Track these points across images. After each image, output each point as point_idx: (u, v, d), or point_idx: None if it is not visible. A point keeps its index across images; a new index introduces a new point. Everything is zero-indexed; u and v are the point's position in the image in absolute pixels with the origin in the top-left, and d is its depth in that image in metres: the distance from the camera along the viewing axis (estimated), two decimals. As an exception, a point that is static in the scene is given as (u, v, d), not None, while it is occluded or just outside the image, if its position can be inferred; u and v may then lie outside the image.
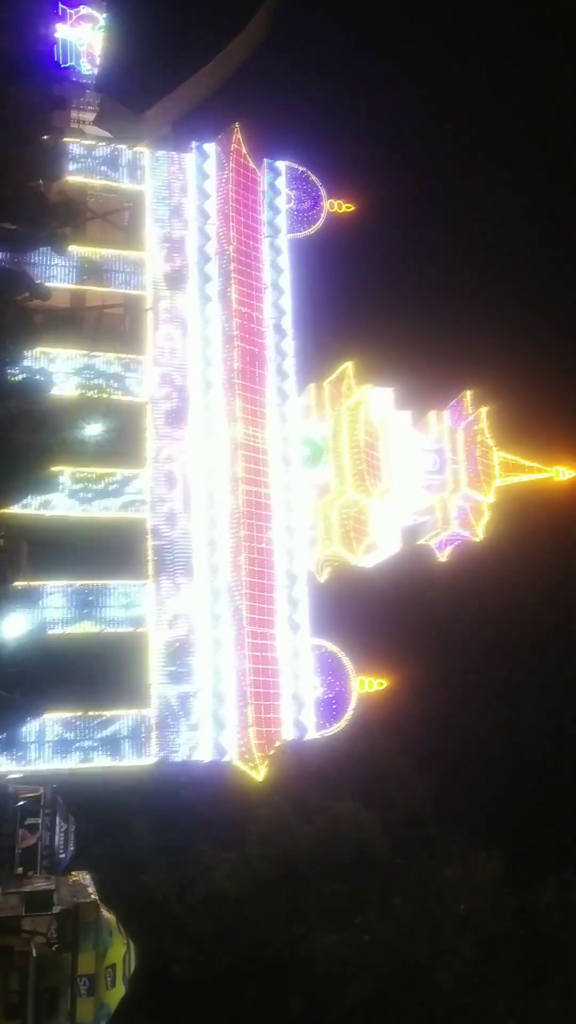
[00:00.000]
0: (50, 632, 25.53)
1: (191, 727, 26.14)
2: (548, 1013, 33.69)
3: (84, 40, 30.33)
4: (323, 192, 31.67)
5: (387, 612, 41.51)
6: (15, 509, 24.53)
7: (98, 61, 30.43)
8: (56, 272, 27.67)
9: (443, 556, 34.18)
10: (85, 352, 27.60)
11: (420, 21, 53.80)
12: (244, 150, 30.26)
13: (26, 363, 25.11)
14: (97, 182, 29.12)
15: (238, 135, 30.06)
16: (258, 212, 30.50)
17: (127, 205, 29.82)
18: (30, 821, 25.42)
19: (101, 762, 25.38)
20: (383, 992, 32.68)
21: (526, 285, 53.46)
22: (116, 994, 22.98)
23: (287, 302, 30.35)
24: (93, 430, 27.00)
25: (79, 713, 25.21)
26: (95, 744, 25.31)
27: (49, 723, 24.95)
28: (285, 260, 30.69)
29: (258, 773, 26.26)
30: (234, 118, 30.38)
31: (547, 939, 35.14)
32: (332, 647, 28.58)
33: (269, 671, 27.07)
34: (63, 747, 25.06)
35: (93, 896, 24.09)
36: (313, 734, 27.73)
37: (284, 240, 30.85)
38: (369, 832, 36.18)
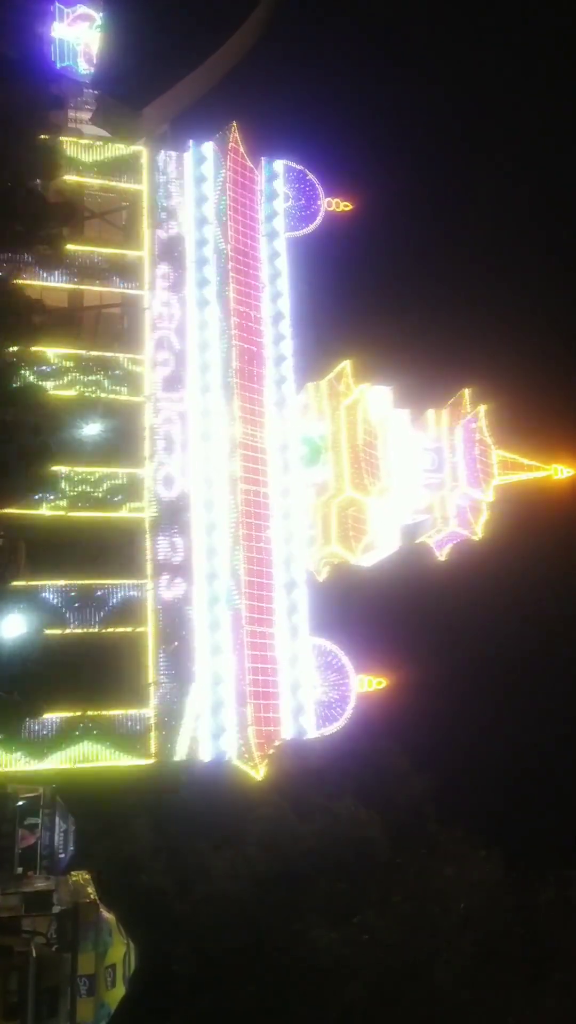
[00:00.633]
0: (49, 632, 25.48)
1: (190, 726, 26.12)
2: (547, 1010, 33.72)
3: (81, 39, 30.29)
4: (321, 191, 31.66)
5: (386, 611, 41.48)
6: (14, 509, 24.48)
7: (95, 60, 30.39)
8: (54, 272, 27.62)
9: (442, 555, 34.17)
10: (83, 351, 27.55)
11: (418, 20, 53.81)
12: (242, 149, 30.23)
13: (25, 363, 25.06)
14: (94, 181, 29.06)
15: (235, 134, 30.04)
16: (256, 211, 30.47)
17: (124, 204, 29.77)
18: (29, 821, 25.42)
19: (100, 762, 25.35)
20: (383, 990, 32.68)
21: (524, 283, 53.49)
22: (116, 994, 23.00)
23: (285, 301, 30.34)
24: (91, 430, 27.01)
25: (79, 713, 25.18)
26: (94, 744, 25.27)
27: (49, 723, 24.92)
28: (283, 259, 30.68)
29: (258, 772, 26.26)
30: (231, 116, 30.38)
31: (546, 937, 35.15)
32: (332, 646, 28.57)
33: (268, 670, 27.06)
34: (63, 747, 25.01)
35: (93, 896, 24.09)
36: (313, 733, 27.72)
37: (282, 239, 30.83)
38: (369, 831, 36.17)
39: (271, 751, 26.47)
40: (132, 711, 25.83)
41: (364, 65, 53.50)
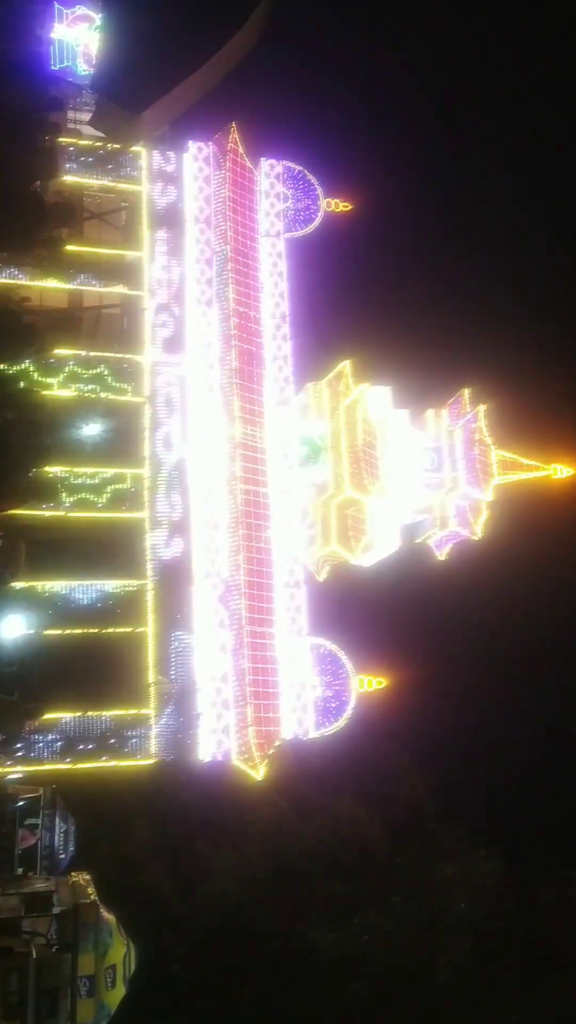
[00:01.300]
0: (49, 632, 25.53)
1: (190, 726, 26.14)
2: (548, 1010, 33.71)
3: (80, 40, 30.31)
4: (320, 191, 31.69)
5: (386, 611, 41.50)
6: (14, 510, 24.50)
7: (94, 61, 30.40)
8: (53, 273, 27.64)
9: (442, 555, 34.19)
10: (83, 352, 27.58)
11: (417, 21, 53.85)
12: (241, 149, 30.26)
13: (24, 364, 25.09)
14: (94, 182, 29.11)
15: (235, 134, 30.07)
16: (255, 211, 30.50)
17: (124, 205, 29.80)
18: (30, 821, 25.42)
19: (100, 762, 25.38)
20: (383, 990, 32.68)
21: (523, 283, 53.52)
22: (116, 995, 22.99)
23: (285, 301, 30.35)
24: (91, 430, 27.05)
25: (79, 713, 25.21)
26: (94, 744, 25.29)
27: (48, 723, 24.94)
28: (283, 259, 30.70)
29: (258, 772, 26.29)
30: (231, 117, 30.41)
31: (547, 936, 35.13)
32: (331, 646, 28.60)
33: (268, 670, 27.09)
34: (62, 747, 25.04)
35: (93, 897, 24.09)
36: (313, 733, 27.75)
37: (281, 239, 30.85)
38: (369, 831, 36.16)
39: (271, 751, 26.50)
40: (132, 711, 25.85)
41: (363, 66, 53.57)
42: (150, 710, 25.97)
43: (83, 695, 25.25)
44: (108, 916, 23.61)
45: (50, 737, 24.98)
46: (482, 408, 33.91)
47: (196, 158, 29.87)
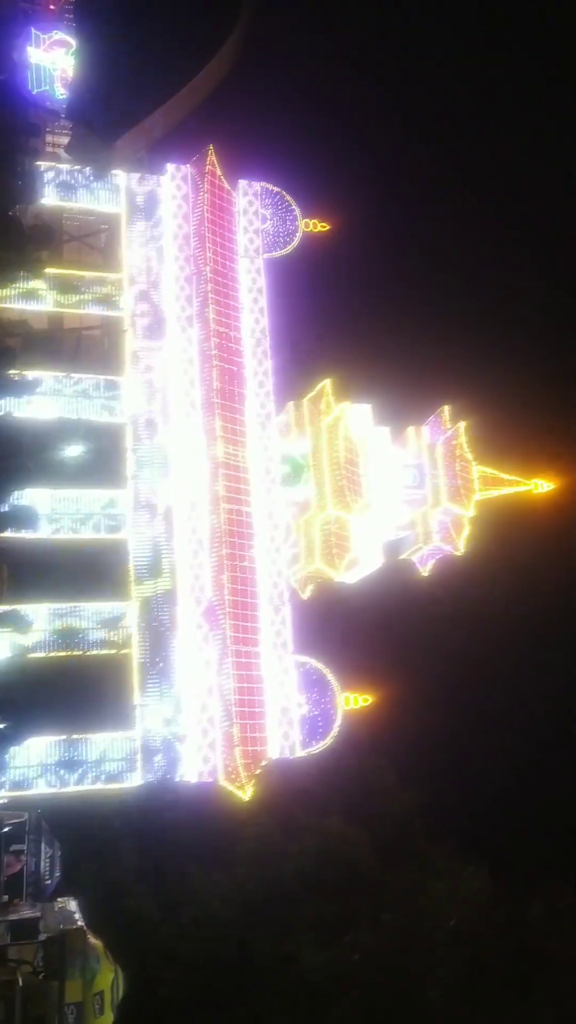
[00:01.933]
0: (32, 655, 25.40)
1: (176, 748, 26.04)
2: (540, 1025, 33.61)
3: (57, 65, 30.54)
4: (298, 212, 31.95)
5: (371, 628, 41.55)
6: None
7: (71, 85, 30.61)
8: (33, 295, 27.74)
9: (425, 570, 34.31)
10: (64, 374, 27.62)
11: (394, 42, 54.54)
12: (219, 171, 30.49)
13: (3, 386, 25.11)
14: (73, 205, 29.27)
15: (212, 157, 30.31)
16: (234, 233, 30.71)
17: (103, 227, 29.97)
18: (15, 847, 25.20)
19: (86, 785, 25.22)
20: (375, 1009, 32.48)
21: (502, 300, 54.05)
22: (104, 1021, 22.75)
23: (264, 321, 30.53)
24: (72, 452, 27.06)
25: (63, 737, 25.06)
26: (80, 768, 25.14)
27: (33, 747, 24.78)
28: (262, 280, 30.90)
29: (245, 792, 26.19)
30: (208, 140, 30.65)
31: (537, 951, 35.06)
32: (317, 664, 28.60)
33: (254, 690, 27.05)
34: (48, 772, 24.87)
35: (80, 922, 23.89)
36: (299, 752, 27.69)
37: (260, 260, 31.07)
38: (357, 848, 36.02)
39: (258, 771, 26.41)
40: (117, 734, 25.72)
41: (338, 88, 54.12)
42: (135, 732, 25.85)
43: (68, 718, 25.11)
44: (95, 942, 23.39)
45: (35, 761, 24.81)
46: (462, 424, 34.16)
47: (174, 180, 30.09)
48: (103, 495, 27.25)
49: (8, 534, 25.24)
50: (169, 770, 25.89)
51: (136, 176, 29.87)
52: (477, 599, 44.53)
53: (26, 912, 23.78)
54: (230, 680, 26.51)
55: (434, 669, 44.76)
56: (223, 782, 26.17)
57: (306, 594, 31.88)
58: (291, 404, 31.80)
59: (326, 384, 31.72)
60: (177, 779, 26.03)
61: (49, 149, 29.81)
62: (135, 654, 26.45)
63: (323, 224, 32.31)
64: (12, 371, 25.62)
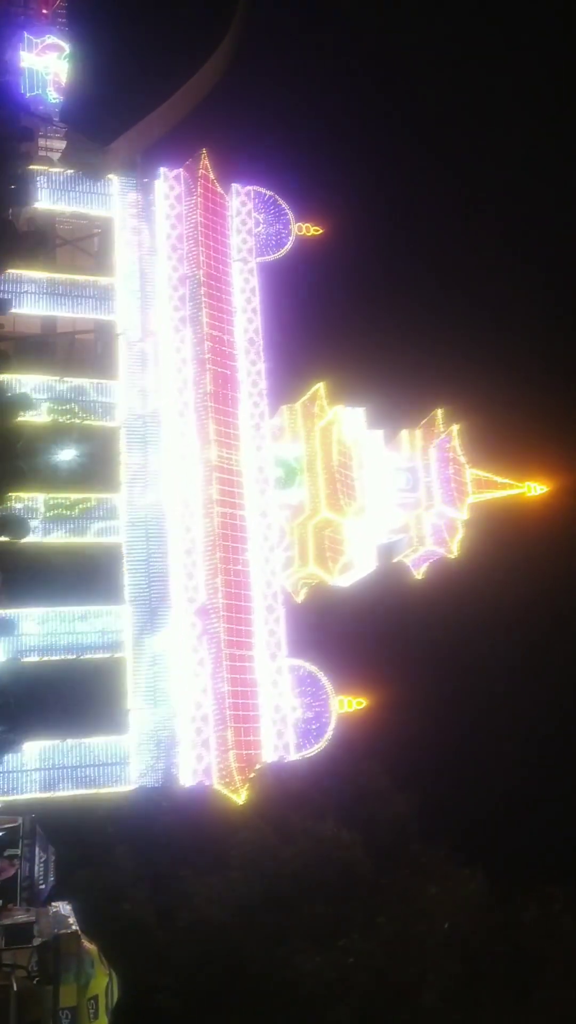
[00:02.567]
0: (26, 660, 25.37)
1: (170, 752, 26.02)
2: (535, 1029, 33.58)
3: (50, 69, 30.53)
4: (291, 216, 32.03)
5: (365, 631, 41.59)
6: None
7: (64, 89, 30.63)
8: (26, 299, 27.75)
9: (419, 573, 34.37)
10: (57, 377, 27.62)
11: (387, 45, 54.73)
12: (212, 175, 30.55)
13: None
14: (66, 209, 29.29)
15: (205, 161, 30.36)
16: (227, 236, 30.76)
17: (96, 231, 29.99)
18: (9, 852, 25.08)
19: (80, 790, 25.17)
20: (369, 1014, 32.43)
21: (495, 303, 54.24)
22: (99, 1026, 22.64)
23: (257, 325, 30.57)
24: (66, 455, 27.06)
25: (57, 741, 25.02)
26: (74, 772, 25.10)
27: (27, 752, 24.73)
28: (255, 283, 30.95)
29: (239, 796, 26.17)
30: (202, 144, 30.71)
31: (532, 954, 35.05)
32: (311, 667, 28.61)
33: (248, 693, 27.04)
34: (41, 776, 24.82)
35: (74, 927, 23.78)
36: (293, 755, 27.70)
37: (253, 264, 31.11)
38: (352, 852, 35.99)
39: (252, 775, 26.40)
40: (111, 738, 25.68)
41: (332, 92, 54.29)
42: (129, 737, 25.82)
43: (62, 722, 25.07)
44: (90, 946, 23.28)
45: (29, 765, 24.76)
46: (456, 427, 34.24)
47: (168, 184, 30.13)
48: (97, 499, 27.23)
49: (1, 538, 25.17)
50: (163, 774, 25.86)
51: (129, 180, 29.90)
52: (471, 602, 44.59)
53: (20, 917, 23.67)
54: (224, 684, 26.50)
55: (428, 672, 44.81)
56: (217, 786, 26.16)
57: (300, 597, 31.90)
58: (284, 407, 31.84)
59: (319, 387, 31.79)
60: (171, 783, 25.99)
61: (42, 153, 29.82)
62: (129, 658, 26.42)
63: (316, 228, 32.38)
64: (6, 374, 25.58)
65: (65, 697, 25.34)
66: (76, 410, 27.55)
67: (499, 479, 34.61)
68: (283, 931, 33.32)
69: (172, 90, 30.03)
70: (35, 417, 26.86)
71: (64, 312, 28.62)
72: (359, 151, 53.93)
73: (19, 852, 25.12)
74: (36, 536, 26.21)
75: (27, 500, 26.13)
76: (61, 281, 28.45)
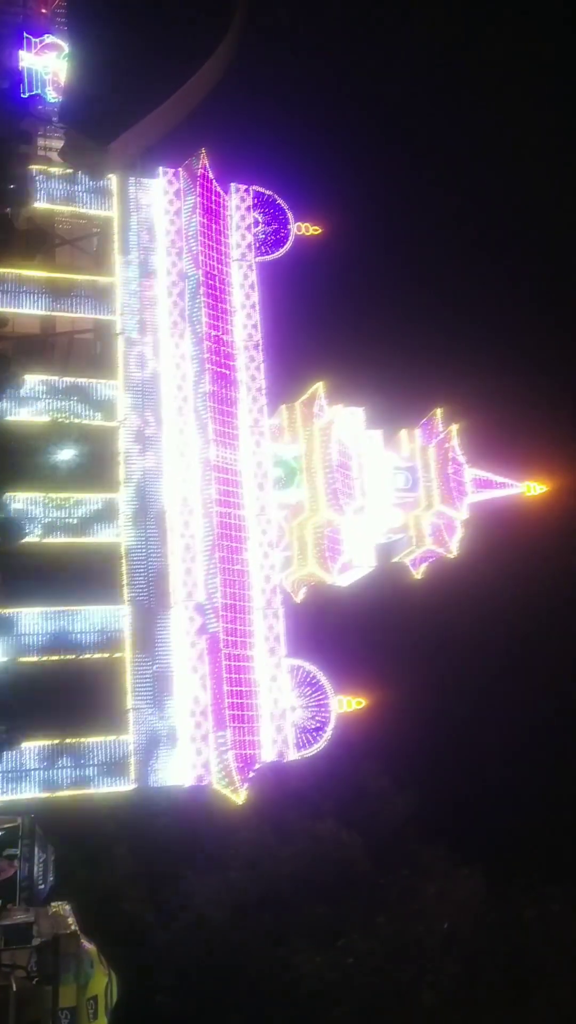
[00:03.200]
0: (25, 660, 25.34)
1: (170, 752, 25.99)
2: (534, 1029, 33.61)
3: (49, 68, 30.49)
4: (290, 215, 31.97)
5: (364, 631, 41.58)
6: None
7: (63, 89, 30.60)
8: (25, 298, 27.73)
9: (418, 573, 34.35)
10: (56, 377, 27.58)
11: (386, 46, 54.67)
12: (211, 175, 30.51)
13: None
14: (65, 209, 29.22)
15: (204, 160, 30.31)
16: (226, 236, 30.72)
17: (95, 231, 29.93)
18: (8, 852, 25.12)
19: (80, 790, 25.13)
20: (369, 1013, 32.46)
21: (494, 302, 54.21)
22: (98, 1026, 22.64)
23: (257, 324, 30.54)
24: (65, 455, 27.03)
25: (57, 741, 24.99)
26: (73, 772, 25.06)
27: (26, 752, 24.70)
28: (254, 283, 30.91)
29: (238, 796, 26.14)
30: (201, 143, 30.66)
31: (530, 953, 35.10)
32: (310, 667, 28.58)
33: (247, 693, 27.00)
34: (41, 776, 24.78)
35: (73, 927, 23.82)
36: (293, 755, 27.67)
37: (252, 263, 31.08)
38: (351, 852, 36.06)
39: (251, 775, 26.38)
40: (111, 738, 25.66)
41: (331, 91, 54.26)
42: (129, 736, 25.79)
43: (61, 722, 25.03)
44: (89, 946, 23.32)
45: (28, 765, 24.73)
46: (455, 427, 34.21)
47: (166, 184, 30.08)
48: (96, 499, 27.19)
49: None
50: (162, 774, 25.83)
51: (129, 179, 29.83)
52: (470, 602, 44.60)
53: (20, 917, 23.70)
54: (223, 683, 26.46)
55: (427, 672, 44.80)
56: (216, 786, 26.13)
57: (299, 597, 31.89)
58: (283, 407, 31.81)
59: (319, 387, 31.75)
60: (170, 783, 25.96)
61: (41, 153, 29.78)
62: (128, 658, 26.39)
63: (315, 227, 32.34)
64: (4, 375, 25.56)
65: (64, 697, 25.29)
66: (75, 410, 27.49)
67: (498, 479, 34.60)
68: (283, 931, 33.34)
69: (171, 90, 29.97)
70: (34, 417, 26.83)
71: (63, 312, 28.55)
72: (358, 151, 53.92)
73: (18, 852, 25.14)
74: (35, 536, 26.16)
75: (26, 500, 26.05)
76: (60, 281, 28.38)
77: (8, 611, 25.45)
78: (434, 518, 33.35)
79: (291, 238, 31.76)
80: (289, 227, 31.86)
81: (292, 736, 27.65)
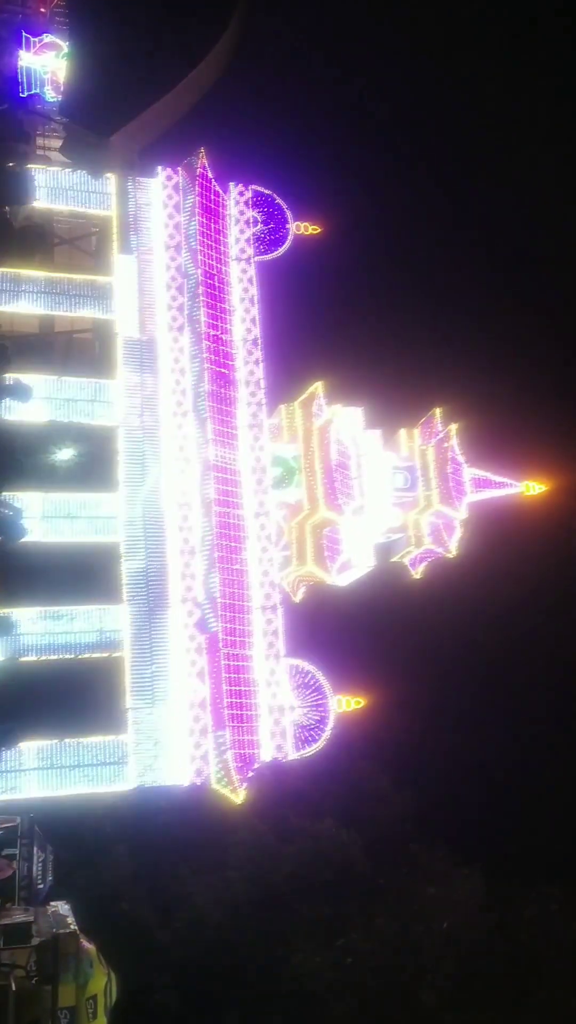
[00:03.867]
0: (24, 659, 25.34)
1: (168, 751, 25.98)
2: (533, 1028, 33.62)
3: (48, 68, 30.42)
4: (289, 215, 31.95)
5: (363, 630, 41.57)
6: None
7: (62, 88, 30.55)
8: (24, 298, 27.72)
9: (417, 573, 34.33)
10: (55, 377, 27.58)
11: (386, 45, 54.66)
12: (210, 174, 30.50)
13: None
14: (64, 208, 29.21)
15: (203, 159, 30.31)
16: (225, 235, 30.72)
17: (94, 230, 29.93)
18: (7, 851, 25.09)
19: (79, 789, 25.14)
20: (368, 1013, 32.46)
21: (493, 302, 54.21)
22: (98, 1026, 22.62)
23: (256, 324, 30.53)
24: (64, 455, 27.03)
25: (55, 740, 24.99)
26: (72, 771, 25.06)
27: (25, 751, 24.70)
28: (253, 282, 30.90)
29: (237, 796, 26.14)
30: (200, 143, 30.64)
31: (529, 953, 35.11)
32: (309, 667, 28.57)
33: (245, 693, 27.01)
34: (40, 775, 24.78)
35: (73, 926, 23.78)
36: (292, 755, 27.67)
37: (251, 257, 31.07)
38: (350, 852, 36.05)
39: (250, 775, 26.38)
40: (109, 737, 25.65)
41: (331, 90, 54.26)
42: (127, 736, 25.78)
43: (60, 722, 25.04)
44: (88, 946, 23.29)
45: (27, 765, 24.72)
46: (454, 427, 34.21)
47: (165, 183, 30.08)
48: (94, 498, 27.19)
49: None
50: (161, 774, 25.82)
51: (127, 179, 29.81)
52: (469, 602, 44.59)
53: (18, 916, 23.67)
54: (222, 683, 26.47)
55: (427, 672, 44.80)
56: (215, 785, 26.13)
57: (298, 597, 31.88)
58: (282, 407, 31.81)
59: (317, 387, 31.75)
60: (169, 783, 25.96)
61: (40, 152, 29.75)
62: (126, 657, 26.38)
63: (315, 227, 32.32)
64: (3, 374, 25.55)
65: (63, 696, 25.30)
66: (74, 409, 27.49)
67: (497, 478, 34.58)
68: (282, 931, 33.34)
69: (170, 88, 29.94)
70: (33, 417, 26.83)
71: (62, 311, 28.55)
72: (358, 150, 53.92)
73: (17, 852, 25.12)
74: (34, 535, 26.15)
75: (26, 500, 26.05)
76: (59, 280, 28.36)
77: (7, 611, 25.44)
78: (433, 518, 33.35)
79: (290, 237, 31.74)
80: (288, 226, 31.84)
81: (291, 736, 27.64)
